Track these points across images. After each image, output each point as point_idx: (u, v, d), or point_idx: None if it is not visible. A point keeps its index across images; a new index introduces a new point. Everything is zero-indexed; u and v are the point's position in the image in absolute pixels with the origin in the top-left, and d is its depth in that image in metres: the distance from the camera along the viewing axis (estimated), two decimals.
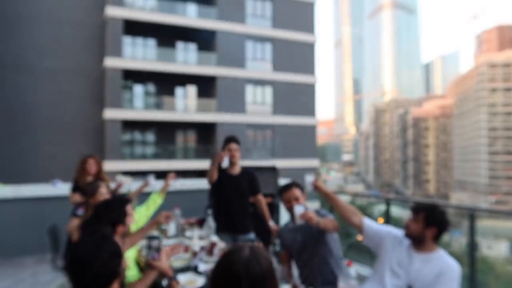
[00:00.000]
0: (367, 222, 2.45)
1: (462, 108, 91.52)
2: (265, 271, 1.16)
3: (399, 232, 2.36)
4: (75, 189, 4.19)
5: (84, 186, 3.75)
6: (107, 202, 2.40)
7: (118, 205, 2.32)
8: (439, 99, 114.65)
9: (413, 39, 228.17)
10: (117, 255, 1.52)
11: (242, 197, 3.66)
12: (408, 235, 2.25)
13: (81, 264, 1.44)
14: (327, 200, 2.61)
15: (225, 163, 3.46)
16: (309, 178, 2.60)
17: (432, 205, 2.25)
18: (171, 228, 2.88)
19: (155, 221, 2.79)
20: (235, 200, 3.60)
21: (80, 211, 3.50)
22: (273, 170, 5.28)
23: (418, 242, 2.22)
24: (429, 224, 2.18)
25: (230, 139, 3.64)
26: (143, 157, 19.68)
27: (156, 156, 19.79)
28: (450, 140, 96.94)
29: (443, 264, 2.12)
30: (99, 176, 4.30)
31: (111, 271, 1.48)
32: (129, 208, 2.40)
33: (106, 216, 2.23)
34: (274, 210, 5.43)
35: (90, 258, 1.44)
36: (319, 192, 2.60)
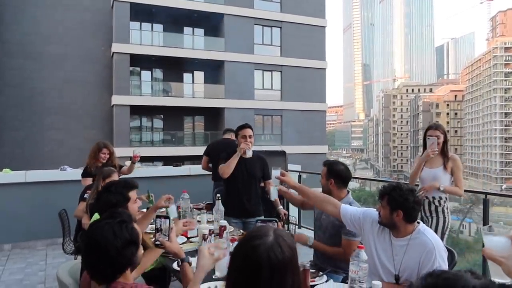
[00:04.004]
0: (343, 208, 2.32)
1: (474, 93, 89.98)
2: (287, 260, 1.12)
3: (377, 215, 2.21)
4: (86, 174, 4.27)
5: (96, 170, 3.79)
6: (109, 184, 2.36)
7: (120, 189, 2.27)
8: (451, 84, 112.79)
9: (425, 23, 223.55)
10: (134, 243, 1.47)
11: (254, 180, 3.64)
12: (381, 222, 2.13)
13: (96, 250, 1.41)
14: (298, 193, 2.52)
15: (249, 153, 3.49)
16: (275, 172, 2.51)
17: (394, 186, 2.09)
18: (173, 210, 2.82)
19: (155, 206, 2.75)
20: (246, 183, 3.59)
21: (87, 195, 3.52)
22: (282, 154, 5.23)
23: (392, 228, 2.09)
24: (394, 208, 2.03)
25: (244, 125, 3.64)
26: (151, 143, 19.78)
27: (164, 142, 19.87)
28: (462, 126, 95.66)
29: (422, 247, 1.99)
30: (111, 161, 4.41)
31: (125, 260, 1.45)
32: (133, 193, 2.34)
33: (105, 198, 2.18)
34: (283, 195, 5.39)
35: (106, 245, 1.40)
36: (288, 186, 2.50)
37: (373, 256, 2.15)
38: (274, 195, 2.59)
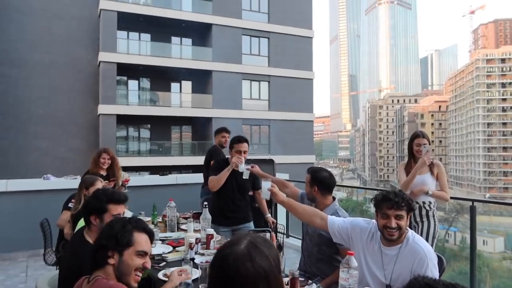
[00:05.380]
0: (330, 220, 2.26)
1: (458, 104, 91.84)
2: (259, 271, 1.01)
3: (366, 224, 2.17)
4: None
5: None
6: (98, 190, 2.28)
7: (102, 196, 2.13)
8: (435, 95, 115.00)
9: (410, 35, 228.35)
10: (104, 247, 1.57)
11: (243, 191, 3.62)
12: (398, 237, 2.01)
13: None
14: (285, 207, 2.47)
15: (241, 167, 3.33)
16: (266, 184, 2.46)
17: (402, 193, 2.05)
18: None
19: None
20: (236, 194, 3.55)
21: (72, 204, 3.42)
22: (270, 163, 5.21)
23: (400, 236, 2.02)
24: (408, 213, 2.00)
25: (240, 139, 3.50)
26: (138, 153, 19.57)
27: (151, 152, 19.68)
28: (446, 136, 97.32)
29: (414, 254, 1.95)
30: (113, 170, 4.32)
31: (95, 259, 1.56)
32: (114, 207, 2.15)
33: (92, 204, 2.10)
34: (271, 203, 5.37)
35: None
36: (276, 200, 2.44)
37: (362, 266, 2.10)
38: (265, 195, 2.52)
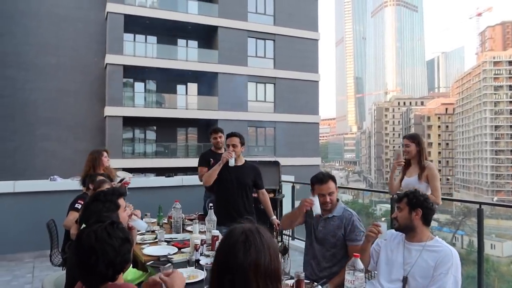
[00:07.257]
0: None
1: (465, 106, 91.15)
2: (267, 242, 1.11)
3: (389, 231, 2.30)
4: (85, 183, 4.18)
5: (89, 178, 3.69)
6: (97, 193, 2.30)
7: (110, 196, 2.21)
8: (442, 97, 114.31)
9: (416, 37, 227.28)
10: (128, 240, 1.50)
11: (244, 188, 3.57)
12: (398, 227, 2.20)
13: (94, 253, 1.39)
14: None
15: (231, 162, 3.43)
16: (385, 227, 2.23)
17: (413, 190, 2.24)
18: (140, 225, 2.58)
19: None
20: (236, 192, 3.52)
21: (79, 205, 3.44)
22: (275, 164, 5.20)
23: (409, 230, 2.17)
24: (413, 207, 2.14)
25: (230, 134, 3.61)
26: (144, 154, 19.65)
27: (157, 153, 19.75)
28: (453, 139, 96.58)
29: (440, 251, 2.07)
30: (109, 169, 4.33)
31: (123, 258, 1.46)
32: (122, 201, 2.28)
33: (95, 207, 2.12)
34: (276, 205, 5.35)
35: (103, 246, 1.40)
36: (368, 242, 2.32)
37: (382, 259, 2.24)
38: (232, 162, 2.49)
